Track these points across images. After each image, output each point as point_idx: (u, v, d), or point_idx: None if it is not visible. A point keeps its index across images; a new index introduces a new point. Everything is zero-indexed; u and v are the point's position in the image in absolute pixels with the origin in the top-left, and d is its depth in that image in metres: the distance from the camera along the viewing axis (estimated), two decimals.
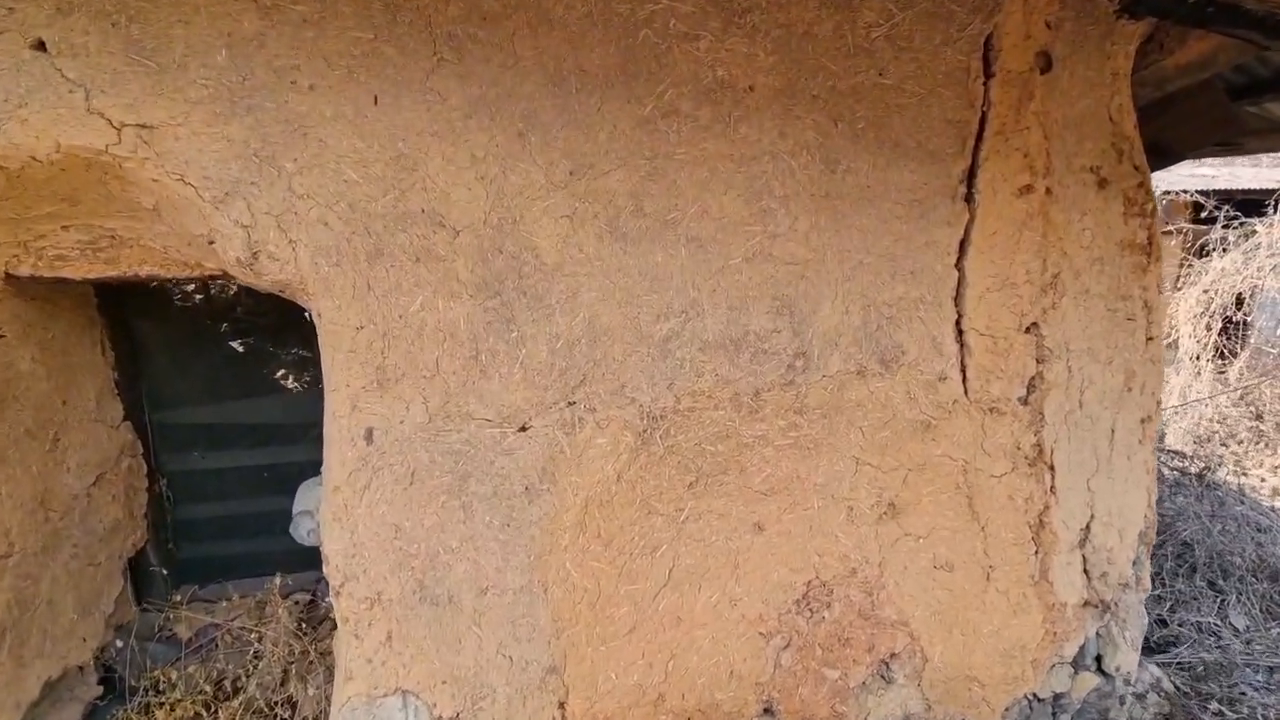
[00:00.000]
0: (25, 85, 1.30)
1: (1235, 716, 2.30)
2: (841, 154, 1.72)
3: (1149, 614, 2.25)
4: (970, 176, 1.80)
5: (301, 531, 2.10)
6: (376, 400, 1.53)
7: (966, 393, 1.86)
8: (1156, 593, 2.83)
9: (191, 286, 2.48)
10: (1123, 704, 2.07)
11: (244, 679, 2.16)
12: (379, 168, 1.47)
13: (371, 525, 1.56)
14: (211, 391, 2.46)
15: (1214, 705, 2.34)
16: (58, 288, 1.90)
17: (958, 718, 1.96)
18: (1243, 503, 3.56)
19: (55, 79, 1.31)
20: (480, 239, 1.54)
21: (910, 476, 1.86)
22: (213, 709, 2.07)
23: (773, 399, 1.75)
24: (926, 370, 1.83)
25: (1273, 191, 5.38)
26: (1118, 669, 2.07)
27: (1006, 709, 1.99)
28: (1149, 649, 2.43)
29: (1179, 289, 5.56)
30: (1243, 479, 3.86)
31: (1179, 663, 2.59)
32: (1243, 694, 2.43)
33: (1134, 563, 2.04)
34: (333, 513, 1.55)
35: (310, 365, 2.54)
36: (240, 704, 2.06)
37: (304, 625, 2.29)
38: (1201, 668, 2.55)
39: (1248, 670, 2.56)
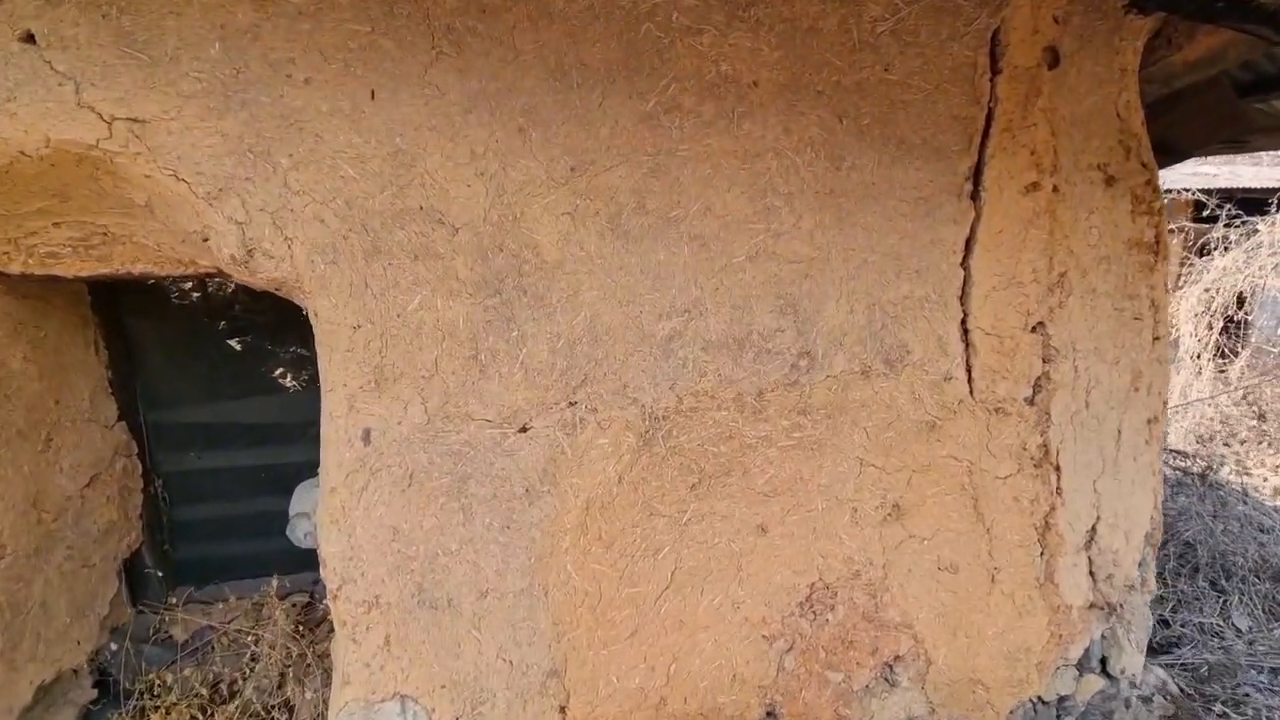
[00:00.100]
0: (14, 78, 1.27)
1: (1240, 719, 2.29)
2: (846, 150, 1.69)
3: (1151, 614, 2.24)
4: (976, 174, 1.77)
5: (299, 533, 2.08)
6: (374, 400, 1.51)
7: (972, 393, 1.83)
8: (1159, 593, 2.82)
9: (189, 285, 2.45)
10: (1128, 707, 2.05)
11: (240, 682, 2.13)
12: (376, 164, 1.44)
13: (369, 527, 1.53)
14: (208, 391, 2.43)
15: (1218, 707, 2.33)
16: (50, 286, 1.87)
17: None
18: (1245, 503, 3.55)
19: (44, 72, 1.28)
20: (480, 236, 1.52)
21: (915, 478, 1.83)
22: (209, 712, 2.05)
23: (776, 399, 1.72)
24: (931, 370, 1.81)
25: (1274, 190, 5.36)
26: (1122, 671, 2.06)
27: (1011, 712, 1.98)
28: (1151, 650, 2.41)
29: (1180, 288, 5.55)
30: (1245, 479, 3.85)
31: (1182, 664, 2.57)
32: (1247, 695, 2.42)
33: (1139, 564, 2.03)
34: (330, 515, 1.52)
35: (308, 364, 2.51)
36: (237, 707, 2.03)
37: (301, 628, 2.26)
38: (1205, 669, 2.54)
39: (1251, 671, 2.55)
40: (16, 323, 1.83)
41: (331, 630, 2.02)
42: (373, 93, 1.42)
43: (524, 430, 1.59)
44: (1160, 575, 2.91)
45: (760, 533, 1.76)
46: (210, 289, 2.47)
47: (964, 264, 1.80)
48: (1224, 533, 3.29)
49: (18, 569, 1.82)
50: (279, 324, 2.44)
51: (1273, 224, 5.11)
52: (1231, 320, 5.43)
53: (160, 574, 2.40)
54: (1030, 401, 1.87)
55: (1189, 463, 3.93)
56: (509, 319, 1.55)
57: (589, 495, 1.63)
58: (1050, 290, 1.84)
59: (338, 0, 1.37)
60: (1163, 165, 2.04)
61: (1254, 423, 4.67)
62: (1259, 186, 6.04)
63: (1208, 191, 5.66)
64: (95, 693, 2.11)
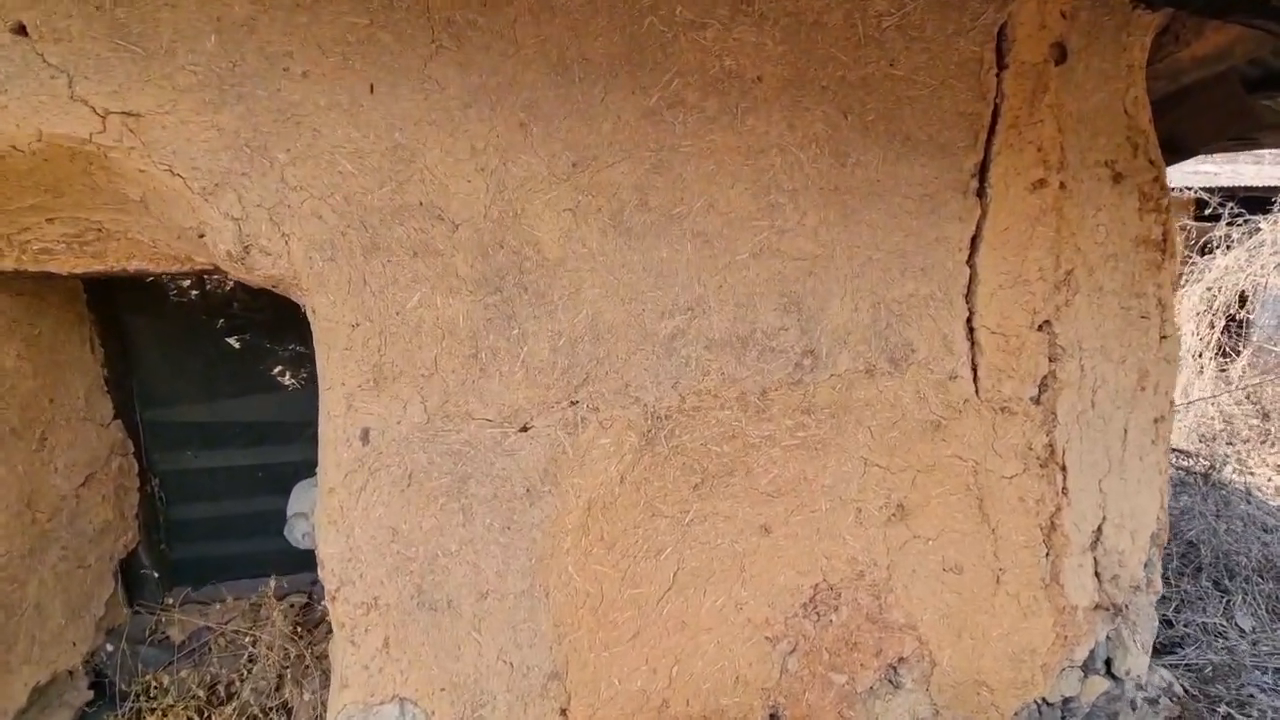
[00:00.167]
0: (5, 71, 1.24)
1: None
2: (851, 147, 1.67)
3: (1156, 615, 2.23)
4: (982, 171, 1.75)
5: (296, 534, 2.05)
6: (373, 399, 1.49)
7: (977, 392, 1.82)
8: (1162, 593, 2.81)
9: (187, 282, 2.42)
10: (1134, 708, 2.03)
11: (238, 684, 2.11)
12: (375, 159, 1.42)
13: (368, 528, 1.51)
14: (205, 389, 2.41)
15: (1223, 709, 2.31)
16: (44, 282, 1.85)
17: None
18: (1249, 502, 3.53)
19: (37, 64, 1.25)
20: (480, 233, 1.49)
21: (919, 478, 1.82)
22: (206, 714, 2.03)
23: (780, 398, 1.71)
24: (937, 369, 1.79)
25: (1275, 189, 5.35)
26: (1128, 672, 2.04)
27: (1015, 714, 1.96)
28: (1154, 650, 2.39)
29: (1182, 286, 5.54)
30: (1249, 478, 3.84)
31: (1186, 664, 2.56)
32: (1251, 696, 2.40)
33: (1145, 565, 2.01)
34: (328, 515, 1.50)
35: (307, 362, 2.49)
36: (234, 709, 2.01)
37: (299, 629, 2.24)
38: (1209, 670, 2.52)
39: (1256, 672, 2.53)
40: (10, 320, 1.81)
41: (330, 631, 2.00)
42: (371, 87, 1.40)
43: (525, 430, 1.57)
44: (1163, 575, 2.90)
45: (764, 533, 1.74)
46: (208, 287, 2.44)
47: (969, 261, 1.78)
48: (1227, 532, 3.28)
49: (12, 569, 1.80)
50: (277, 322, 2.42)
51: (1275, 223, 5.09)
52: (1233, 319, 5.42)
53: (157, 574, 2.38)
54: (1036, 401, 1.86)
55: (1192, 462, 3.92)
56: (510, 317, 1.53)
57: (591, 495, 1.61)
58: (1057, 288, 1.83)
59: None
60: (1170, 162, 2.02)
61: (1257, 422, 4.66)
62: (1261, 185, 6.02)
63: (1210, 190, 5.65)
64: (91, 694, 2.09)
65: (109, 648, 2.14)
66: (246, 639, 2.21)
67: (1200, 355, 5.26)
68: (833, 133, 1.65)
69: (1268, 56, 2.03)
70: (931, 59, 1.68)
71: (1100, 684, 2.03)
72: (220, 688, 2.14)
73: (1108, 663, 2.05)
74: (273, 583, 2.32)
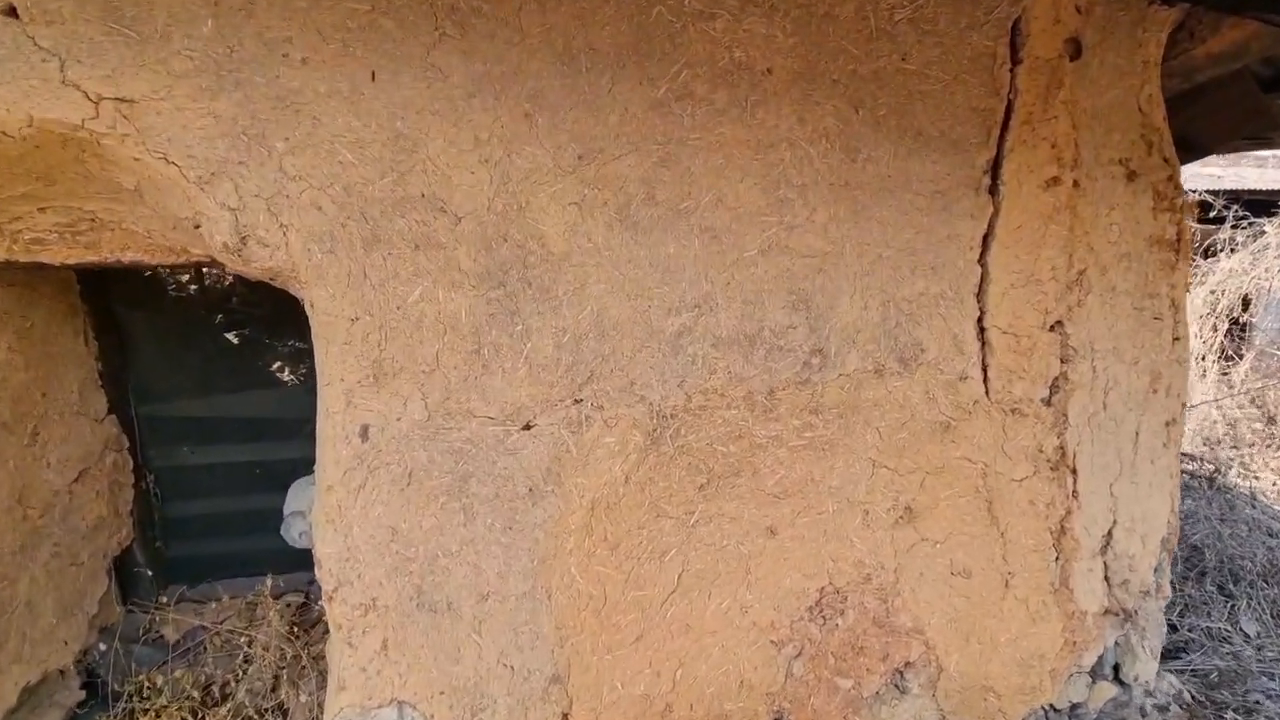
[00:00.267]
0: None
1: None
2: (862, 142, 1.64)
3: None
4: (995, 167, 1.72)
5: (293, 533, 2.02)
6: (372, 396, 1.45)
7: (988, 393, 1.79)
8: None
9: (185, 276, 2.38)
10: (1143, 715, 2.01)
11: (233, 684, 2.08)
12: (376, 149, 1.38)
13: (367, 527, 1.48)
14: (202, 384, 2.37)
15: (1229, 715, 2.29)
16: (36, 273, 1.81)
17: None
18: (1254, 506, 3.51)
19: (27, 47, 1.21)
20: (484, 226, 1.46)
21: (928, 480, 1.79)
22: (200, 715, 1.99)
23: (787, 398, 1.67)
24: (947, 369, 1.76)
25: (1278, 192, 5.32)
26: (1136, 678, 2.02)
27: None
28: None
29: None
30: (1254, 482, 3.82)
31: (1192, 670, 2.53)
32: (1258, 703, 2.38)
33: (1155, 569, 1.98)
34: (326, 514, 1.47)
35: (306, 358, 2.45)
36: (229, 710, 1.98)
37: (296, 629, 2.21)
38: (1215, 675, 2.50)
39: (1262, 679, 2.51)
40: (2, 311, 1.77)
41: (327, 632, 1.97)
42: (373, 74, 1.36)
43: (528, 428, 1.53)
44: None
45: (770, 535, 1.71)
46: (206, 281, 2.40)
47: (981, 260, 1.75)
48: (1232, 536, 3.26)
49: (2, 567, 1.76)
50: (276, 317, 2.38)
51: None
52: (1236, 322, 5.40)
53: (151, 572, 2.34)
54: (1047, 402, 1.83)
55: (1196, 465, 3.90)
56: (513, 312, 1.50)
57: (594, 495, 1.58)
58: (1069, 288, 1.80)
59: None
60: (1183, 161, 1.99)
61: (1260, 426, 4.64)
62: (1264, 188, 6.00)
63: (1214, 193, 5.62)
64: (83, 694, 2.05)
65: (102, 647, 2.10)
66: (242, 639, 2.18)
67: (1204, 358, 5.24)
68: (843, 127, 1.62)
69: None
70: (944, 53, 1.65)
71: (1108, 690, 2.00)
72: (215, 688, 2.10)
73: (1115, 669, 2.03)
74: (269, 582, 2.28)
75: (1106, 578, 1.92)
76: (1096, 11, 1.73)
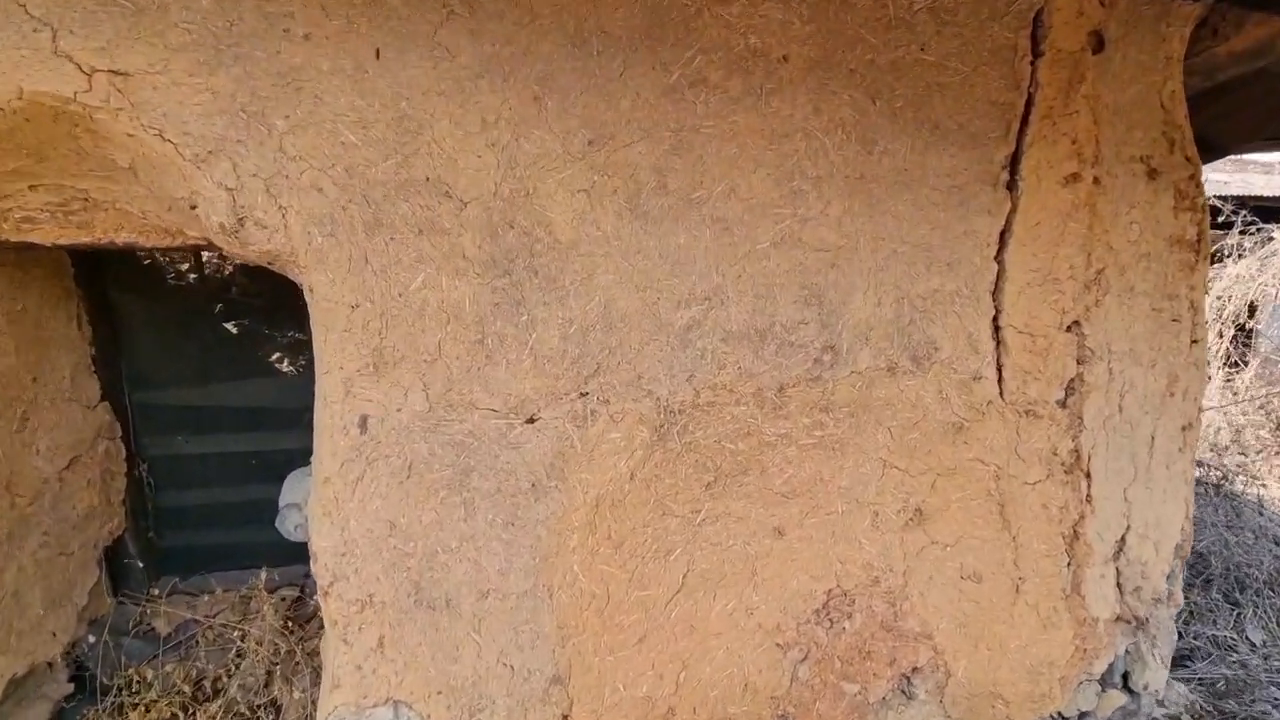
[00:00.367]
0: None
1: None
2: (878, 134, 1.60)
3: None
4: (1013, 163, 1.68)
5: (289, 525, 1.97)
6: (372, 385, 1.41)
7: (1002, 394, 1.75)
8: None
9: (181, 261, 2.34)
10: None
11: (225, 679, 2.04)
12: (380, 129, 1.34)
13: (364, 521, 1.43)
14: (197, 372, 2.33)
15: None
16: (27, 254, 1.76)
17: None
18: (1260, 514, 3.48)
19: (19, 16, 1.17)
20: (489, 212, 1.41)
21: (939, 481, 1.75)
22: (191, 711, 1.95)
23: (798, 395, 1.63)
24: (960, 369, 1.71)
25: None
26: (1145, 687, 1.98)
27: None
28: None
29: None
30: (1260, 490, 3.78)
31: (1199, 679, 2.50)
32: (1265, 712, 2.35)
33: (1168, 577, 1.94)
34: (322, 506, 1.42)
35: (305, 347, 2.40)
36: (220, 706, 1.93)
37: (291, 623, 2.16)
38: (1221, 684, 2.46)
39: (1271, 688, 2.48)
40: None
41: (322, 627, 1.93)
42: (378, 52, 1.32)
43: (531, 421, 1.49)
44: None
45: (777, 535, 1.67)
46: (206, 270, 2.36)
47: (998, 258, 1.71)
48: (1238, 544, 3.23)
49: None
50: (275, 305, 2.34)
51: None
52: (1241, 329, 5.37)
53: (143, 563, 2.30)
54: (1062, 404, 1.79)
55: (1203, 472, 3.86)
56: (518, 302, 1.45)
57: (599, 492, 1.54)
58: (1087, 288, 1.76)
59: None
60: (1204, 160, 1.95)
61: (1266, 433, 4.61)
62: (1270, 195, 5.97)
63: (1222, 199, 5.58)
64: (71, 687, 2.01)
65: (91, 639, 2.06)
66: (235, 633, 2.13)
67: (1208, 364, 5.20)
68: (860, 118, 1.58)
69: None
70: (964, 44, 1.60)
71: (1117, 698, 1.97)
72: (206, 683, 2.06)
73: (1125, 677, 1.99)
74: (264, 575, 2.24)
75: (1119, 584, 1.88)
76: (1120, 5, 1.69)
